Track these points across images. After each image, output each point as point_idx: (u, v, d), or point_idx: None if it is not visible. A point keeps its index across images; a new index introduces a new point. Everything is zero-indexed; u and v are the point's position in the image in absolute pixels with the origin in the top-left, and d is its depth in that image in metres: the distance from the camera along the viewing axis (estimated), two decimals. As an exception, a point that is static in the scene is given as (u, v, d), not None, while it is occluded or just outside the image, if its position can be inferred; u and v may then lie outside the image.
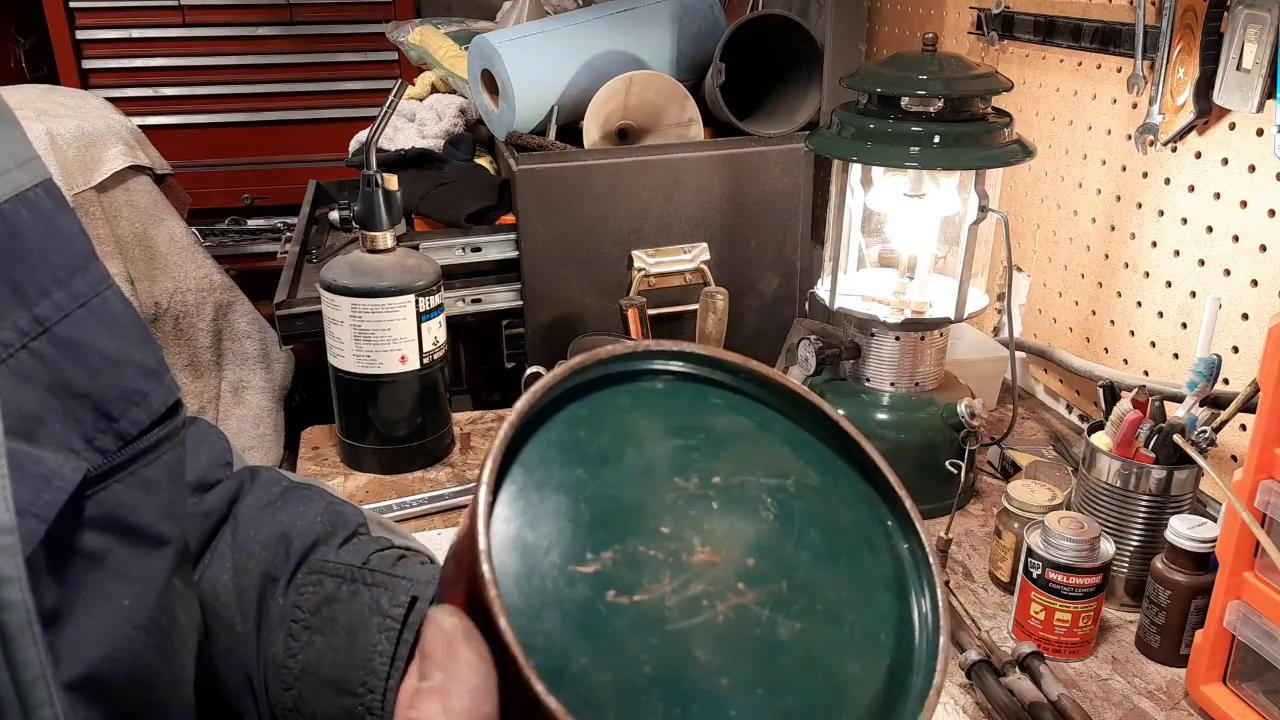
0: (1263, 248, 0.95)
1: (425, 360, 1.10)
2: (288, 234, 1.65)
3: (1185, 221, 1.05)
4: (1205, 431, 0.84)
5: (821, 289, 1.08)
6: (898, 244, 1.08)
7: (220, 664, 0.51)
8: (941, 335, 1.05)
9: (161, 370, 0.46)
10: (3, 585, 0.33)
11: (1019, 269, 1.34)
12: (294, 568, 0.51)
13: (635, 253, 1.34)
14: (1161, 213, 1.08)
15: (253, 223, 2.67)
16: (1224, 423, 0.85)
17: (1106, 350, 1.19)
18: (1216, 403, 0.86)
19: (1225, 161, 0.99)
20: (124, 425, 0.42)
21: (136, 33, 2.58)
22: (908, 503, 0.35)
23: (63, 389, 0.40)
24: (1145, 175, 1.10)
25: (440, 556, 0.48)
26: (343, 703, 0.46)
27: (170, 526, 0.45)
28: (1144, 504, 0.86)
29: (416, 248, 1.31)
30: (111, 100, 2.06)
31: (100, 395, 0.41)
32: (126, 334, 0.44)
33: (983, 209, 0.99)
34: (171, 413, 0.46)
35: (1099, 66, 1.15)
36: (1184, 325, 1.07)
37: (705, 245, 1.37)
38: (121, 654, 0.40)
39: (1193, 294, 1.05)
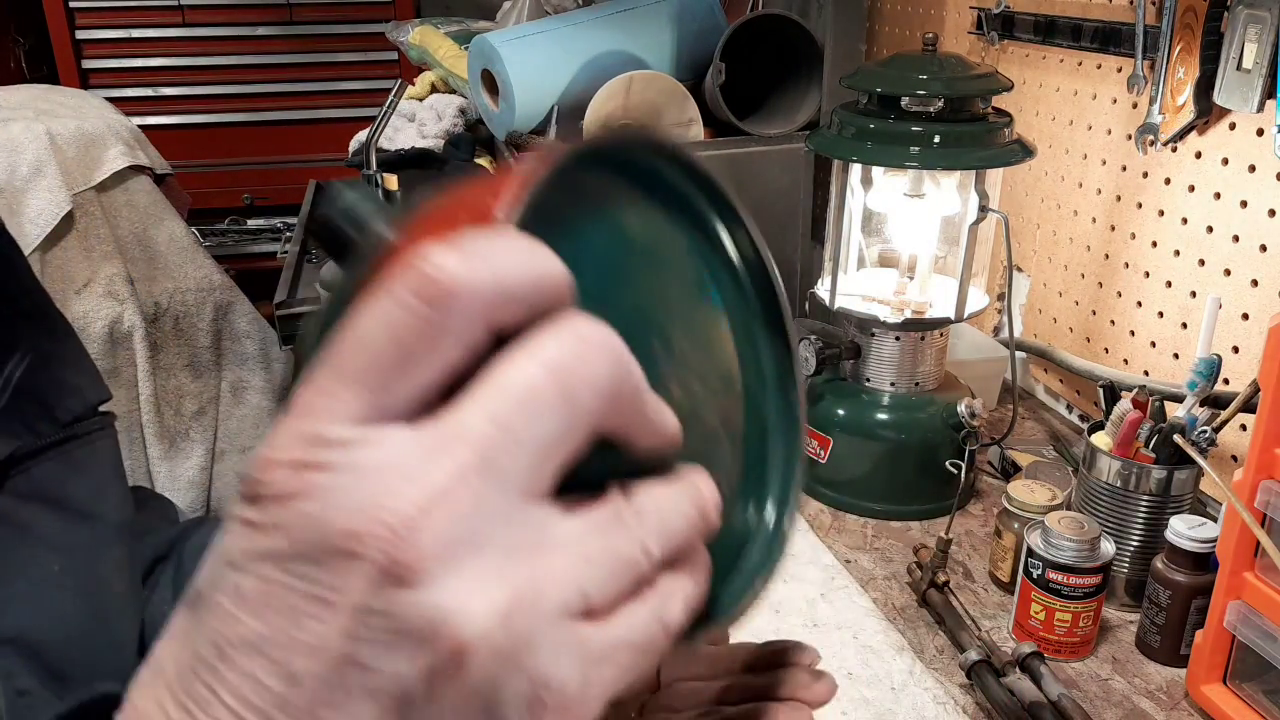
0: (1263, 248, 0.95)
1: (425, 360, 1.09)
2: (287, 234, 1.66)
3: (1185, 221, 1.05)
4: (1205, 431, 0.84)
5: (821, 289, 1.08)
6: (898, 244, 1.08)
7: None
8: (941, 335, 1.04)
9: (94, 370, 0.53)
10: None
11: (1019, 269, 1.34)
12: None
13: (635, 253, 1.34)
14: (1162, 213, 1.08)
15: (252, 223, 2.67)
16: (1224, 423, 0.85)
17: (1106, 350, 1.19)
18: (1216, 403, 0.86)
19: (1225, 161, 0.99)
20: (60, 413, 0.48)
21: (136, 33, 2.58)
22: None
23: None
24: (1145, 175, 1.10)
25: None
26: None
27: (101, 505, 0.50)
28: (1144, 504, 0.86)
29: (416, 248, 1.31)
30: (111, 100, 2.06)
31: (39, 390, 0.47)
32: (63, 338, 0.51)
33: (983, 209, 0.99)
34: (102, 405, 0.52)
35: (1099, 66, 1.15)
36: (1184, 325, 1.07)
37: (705, 245, 1.37)
38: (52, 615, 0.45)
39: (1193, 294, 1.05)
